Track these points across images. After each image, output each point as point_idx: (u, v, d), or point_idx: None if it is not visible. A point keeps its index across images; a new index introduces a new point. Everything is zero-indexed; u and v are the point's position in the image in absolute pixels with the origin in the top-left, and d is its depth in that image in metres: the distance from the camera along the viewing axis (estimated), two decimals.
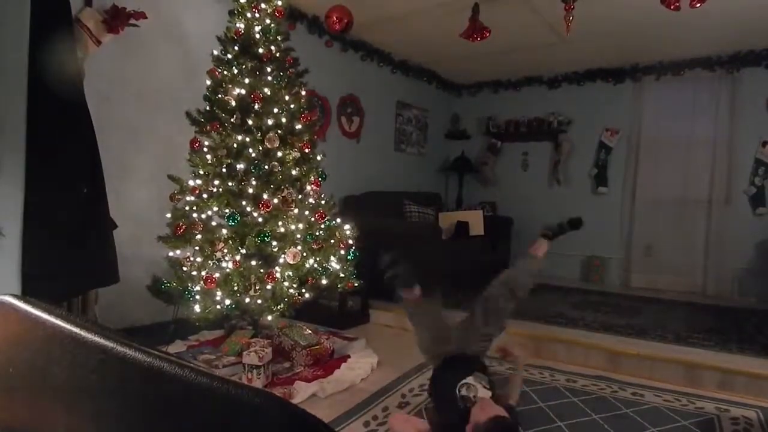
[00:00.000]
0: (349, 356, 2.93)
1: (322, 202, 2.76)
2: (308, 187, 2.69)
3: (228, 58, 2.72)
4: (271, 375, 2.51)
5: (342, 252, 2.77)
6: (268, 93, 2.67)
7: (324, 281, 2.60)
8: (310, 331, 2.88)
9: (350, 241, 2.82)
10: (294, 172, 2.62)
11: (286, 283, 2.44)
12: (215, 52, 2.76)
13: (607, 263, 5.27)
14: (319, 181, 2.73)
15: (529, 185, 5.77)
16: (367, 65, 4.88)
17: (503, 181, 5.95)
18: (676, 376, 2.77)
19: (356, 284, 2.89)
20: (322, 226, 2.74)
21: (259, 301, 2.40)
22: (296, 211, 2.59)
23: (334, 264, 2.73)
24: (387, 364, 2.89)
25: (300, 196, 2.70)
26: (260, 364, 2.41)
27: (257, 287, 2.39)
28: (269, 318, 2.45)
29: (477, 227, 4.94)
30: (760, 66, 4.61)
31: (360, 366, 2.78)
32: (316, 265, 2.61)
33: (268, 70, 2.73)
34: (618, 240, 5.25)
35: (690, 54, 4.78)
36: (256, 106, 2.62)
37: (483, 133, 6.05)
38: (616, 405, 2.38)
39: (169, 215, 2.63)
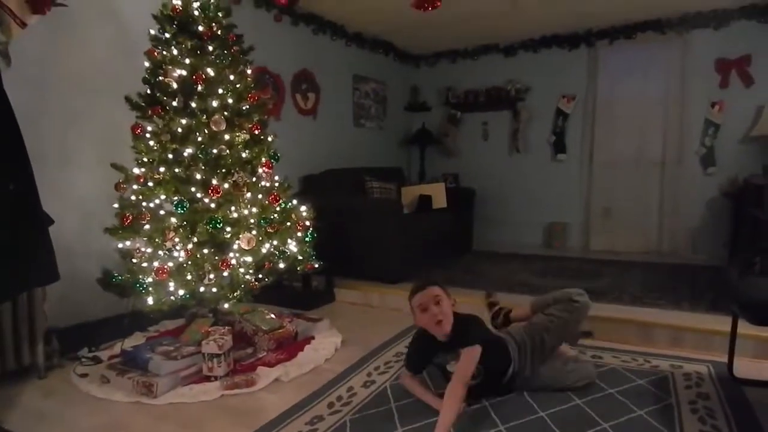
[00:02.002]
0: (313, 337, 2.92)
1: (276, 184, 2.69)
2: (260, 170, 2.61)
3: (166, 38, 2.59)
4: (233, 362, 2.47)
5: (300, 234, 2.72)
6: (212, 73, 2.55)
7: (282, 265, 2.56)
8: (272, 315, 2.84)
9: (307, 223, 2.76)
10: (244, 155, 2.54)
11: (242, 270, 2.38)
12: (152, 32, 2.61)
13: (568, 228, 5.38)
14: (272, 163, 2.65)
15: (490, 155, 5.79)
16: (320, 39, 4.73)
17: (465, 151, 5.95)
18: (632, 336, 2.87)
19: (317, 265, 2.86)
20: (278, 208, 2.67)
21: (215, 290, 2.34)
22: (249, 195, 2.52)
23: (292, 247, 2.68)
24: (352, 343, 2.88)
25: (253, 179, 2.62)
26: (220, 352, 2.36)
27: (212, 275, 2.33)
28: (226, 306, 2.39)
29: (440, 200, 4.95)
30: (708, 27, 4.67)
31: (324, 347, 2.77)
32: (273, 249, 2.55)
33: (210, 48, 2.61)
34: (577, 205, 5.35)
35: (641, 17, 4.81)
36: (200, 88, 2.51)
37: (443, 104, 6.01)
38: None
39: (116, 205, 2.52)
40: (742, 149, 4.59)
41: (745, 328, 2.49)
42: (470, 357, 1.96)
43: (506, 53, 5.61)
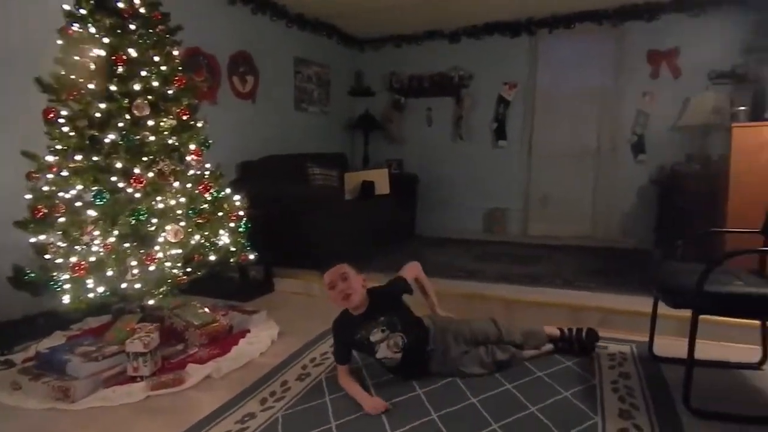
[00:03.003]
0: (249, 330, 2.85)
1: (207, 172, 2.58)
2: (189, 158, 2.48)
3: (82, 14, 2.40)
4: (161, 360, 2.37)
5: (233, 224, 2.63)
6: (134, 54, 2.40)
7: (213, 257, 2.46)
8: (204, 309, 2.75)
9: (241, 212, 2.67)
10: (171, 142, 2.41)
11: (168, 264, 2.27)
12: (67, 7, 2.42)
13: (508, 214, 5.50)
14: (201, 151, 2.53)
15: (434, 141, 5.81)
16: (259, 19, 4.56)
17: (409, 137, 5.94)
18: (564, 319, 2.96)
19: (252, 256, 2.77)
20: (208, 198, 2.57)
21: (139, 285, 2.23)
22: (176, 184, 2.40)
23: (224, 238, 2.58)
24: (289, 334, 2.83)
25: (181, 168, 2.50)
26: (145, 351, 2.26)
27: (135, 270, 2.21)
28: (151, 302, 2.28)
29: (383, 186, 4.93)
30: (641, 19, 4.84)
31: (260, 339, 2.71)
32: (203, 241, 2.45)
33: (132, 27, 2.44)
34: (517, 191, 5.47)
35: (579, 7, 4.92)
36: (120, 70, 2.35)
37: (387, 89, 5.97)
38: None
39: (28, 196, 2.34)
40: (670, 138, 4.81)
41: (666, 309, 2.63)
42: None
43: (451, 39, 5.62)
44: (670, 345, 2.58)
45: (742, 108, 3.00)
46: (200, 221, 2.44)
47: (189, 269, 2.38)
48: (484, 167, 5.57)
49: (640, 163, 4.94)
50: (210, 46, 4.00)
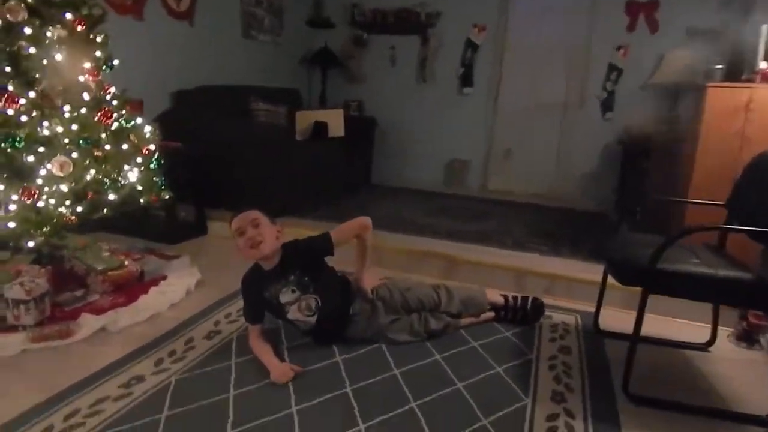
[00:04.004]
0: (165, 278, 2.56)
1: (108, 97, 2.19)
2: (82, 78, 2.08)
3: None
4: (50, 308, 2.07)
5: (141, 159, 2.28)
6: None
7: (112, 196, 2.12)
8: (109, 252, 2.43)
9: (152, 146, 2.31)
10: (59, 58, 2.00)
11: (52, 201, 1.93)
12: None
13: (469, 166, 5.25)
14: (98, 71, 2.13)
15: (396, 82, 5.41)
16: None
17: (370, 77, 5.52)
18: (509, 283, 2.78)
19: (166, 197, 2.44)
20: (113, 127, 2.20)
21: (13, 225, 1.88)
22: (67, 108, 2.01)
23: (130, 175, 2.24)
24: (210, 285, 2.56)
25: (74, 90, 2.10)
26: (28, 298, 1.95)
27: (11, 207, 1.86)
28: (30, 244, 1.95)
29: (336, 128, 4.57)
30: None
31: (174, 289, 2.43)
32: (102, 177, 2.10)
33: None
34: (480, 143, 5.20)
35: None
36: None
37: (348, 23, 5.47)
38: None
39: None
40: (641, 97, 4.58)
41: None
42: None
43: None
44: (616, 318, 2.43)
45: (719, 66, 2.75)
46: (98, 154, 2.07)
47: (80, 209, 2.03)
48: (448, 115, 5.24)
49: (608, 122, 4.72)
50: None
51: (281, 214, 3.56)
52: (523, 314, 2.29)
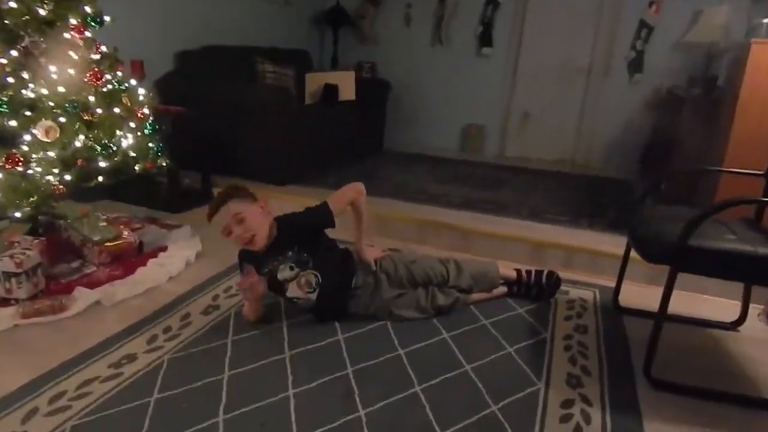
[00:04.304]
0: (165, 248, 2.48)
1: (98, 56, 2.05)
2: (67, 35, 1.94)
3: None
4: (44, 280, 2.00)
5: (135, 124, 2.15)
6: None
7: (104, 163, 2.01)
8: (106, 222, 2.34)
9: (146, 110, 2.18)
10: (43, 12, 1.86)
11: (39, 169, 1.82)
12: None
13: (485, 131, 5.03)
14: (84, 28, 1.98)
15: (411, 44, 5.16)
16: None
17: (383, 38, 5.27)
18: (525, 256, 2.64)
19: (164, 164, 2.33)
20: (104, 89, 2.07)
21: None
22: (52, 68, 1.88)
23: (123, 141, 2.12)
24: (211, 256, 2.47)
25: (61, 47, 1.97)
26: (18, 270, 1.87)
27: None
28: (17, 215, 1.86)
29: (348, 91, 4.38)
30: None
31: (173, 261, 2.34)
32: (92, 143, 1.99)
33: None
34: (498, 107, 4.96)
35: None
36: None
37: None
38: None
39: None
40: (672, 58, 4.27)
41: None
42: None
43: None
44: (638, 294, 2.29)
45: (766, 20, 2.48)
46: (87, 118, 1.95)
47: (69, 177, 1.92)
48: (464, 77, 4.99)
49: (636, 84, 4.43)
50: None
51: (288, 182, 3.46)
52: (537, 290, 2.15)
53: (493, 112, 4.96)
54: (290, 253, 1.80)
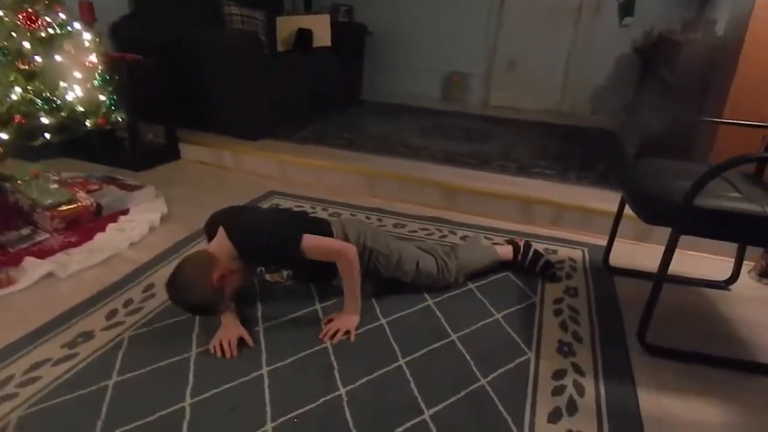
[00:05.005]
0: (127, 211, 2.29)
1: None
2: None
3: None
4: None
5: (82, 75, 1.91)
6: None
7: (48, 119, 1.79)
8: (58, 184, 2.13)
9: (94, 57, 1.94)
10: None
11: None
12: None
13: (469, 79, 4.80)
14: None
15: None
16: None
17: None
18: (513, 213, 2.53)
19: (119, 118, 2.11)
20: (42, 35, 1.81)
21: None
22: None
23: (70, 93, 1.88)
24: (177, 219, 2.30)
25: None
26: None
27: None
28: None
29: (323, 37, 4.09)
30: None
31: (135, 225, 2.16)
32: (32, 97, 1.76)
33: None
34: (482, 53, 4.71)
35: None
36: None
37: None
38: None
39: None
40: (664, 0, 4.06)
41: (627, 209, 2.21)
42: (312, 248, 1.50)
43: None
44: (628, 251, 2.21)
45: None
46: (24, 68, 1.71)
47: (5, 136, 1.71)
48: (447, 21, 4.69)
49: (625, 27, 4.22)
50: None
51: (261, 137, 3.24)
52: (530, 270, 1.98)
53: (479, 58, 4.72)
54: (260, 269, 1.66)
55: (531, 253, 1.97)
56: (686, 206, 1.38)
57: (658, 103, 3.07)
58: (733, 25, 2.27)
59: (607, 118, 4.27)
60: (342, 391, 1.32)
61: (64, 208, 2.06)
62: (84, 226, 2.10)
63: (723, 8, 2.89)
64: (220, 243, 1.47)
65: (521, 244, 1.99)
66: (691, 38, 2.75)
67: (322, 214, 2.39)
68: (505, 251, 1.97)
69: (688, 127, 2.39)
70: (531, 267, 1.95)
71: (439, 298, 1.77)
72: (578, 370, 1.46)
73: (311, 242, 1.48)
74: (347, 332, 1.54)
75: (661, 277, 1.48)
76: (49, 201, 2.04)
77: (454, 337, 1.57)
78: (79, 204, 2.12)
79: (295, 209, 2.46)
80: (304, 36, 3.97)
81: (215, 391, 1.31)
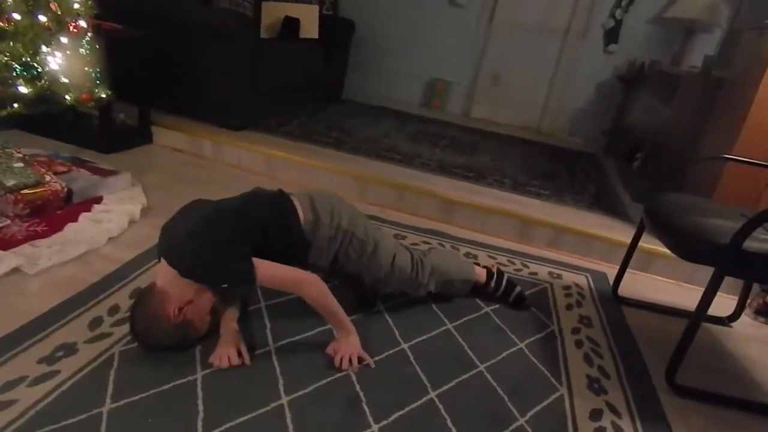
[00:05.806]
0: (100, 200, 2.03)
1: None
2: None
3: None
4: None
5: (67, 41, 1.66)
6: None
7: (25, 88, 1.53)
8: (23, 163, 1.85)
9: (83, 23, 1.69)
10: None
11: None
12: None
13: (451, 88, 4.75)
14: None
15: None
16: None
17: None
18: (510, 231, 2.46)
19: (103, 95, 1.85)
20: None
21: None
22: None
23: (51, 60, 1.62)
24: (159, 212, 2.06)
25: None
26: None
27: None
28: None
29: (310, 27, 3.90)
30: None
31: (113, 217, 1.91)
32: (8, 60, 1.49)
33: None
34: (467, 63, 4.67)
35: None
36: None
37: None
38: None
39: None
40: (650, 31, 4.18)
41: (625, 236, 2.21)
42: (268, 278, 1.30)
43: None
44: (630, 281, 2.19)
45: None
46: (0, 25, 1.45)
47: None
48: (435, 27, 4.63)
49: (609, 55, 4.31)
50: None
51: (244, 127, 3.02)
52: (501, 300, 1.84)
53: (463, 67, 4.68)
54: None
55: (504, 281, 1.83)
56: (734, 249, 1.35)
57: (644, 135, 3.12)
58: (743, 67, 2.32)
59: (585, 141, 4.35)
60: (375, 428, 1.18)
61: (30, 191, 1.79)
62: (52, 213, 1.83)
63: (698, 48, 2.96)
64: (165, 273, 1.27)
65: (494, 270, 1.85)
66: (689, 72, 2.80)
67: None
68: (480, 272, 1.82)
69: (666, 155, 2.42)
70: (504, 296, 1.83)
71: (457, 322, 1.66)
72: (614, 410, 1.40)
73: (267, 275, 1.28)
74: (359, 358, 1.39)
75: (699, 317, 1.44)
76: (13, 182, 1.76)
77: (482, 367, 1.46)
78: (48, 188, 1.84)
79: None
80: (291, 25, 3.76)
81: (230, 424, 1.13)
